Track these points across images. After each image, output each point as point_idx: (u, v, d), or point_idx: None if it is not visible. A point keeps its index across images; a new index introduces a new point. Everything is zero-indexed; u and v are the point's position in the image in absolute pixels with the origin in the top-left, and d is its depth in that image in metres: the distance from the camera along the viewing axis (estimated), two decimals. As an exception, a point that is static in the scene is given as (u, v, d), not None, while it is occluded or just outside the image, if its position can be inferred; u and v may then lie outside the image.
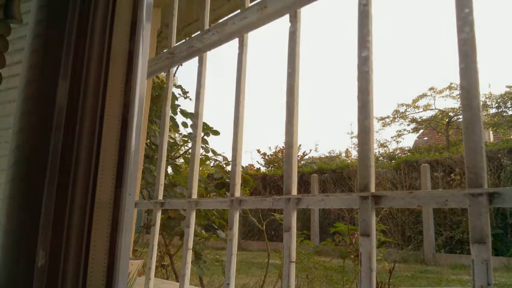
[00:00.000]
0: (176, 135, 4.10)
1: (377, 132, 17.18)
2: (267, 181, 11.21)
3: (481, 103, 0.72)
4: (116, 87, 0.66)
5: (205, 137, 3.49)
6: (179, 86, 3.89)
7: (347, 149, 18.55)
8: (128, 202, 0.65)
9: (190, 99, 3.89)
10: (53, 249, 0.61)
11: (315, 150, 18.51)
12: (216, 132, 3.48)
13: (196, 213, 1.35)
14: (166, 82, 1.58)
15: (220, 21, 1.31)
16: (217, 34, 1.30)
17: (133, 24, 0.68)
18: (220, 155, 3.70)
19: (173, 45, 1.54)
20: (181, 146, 4.09)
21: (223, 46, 1.33)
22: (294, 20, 1.08)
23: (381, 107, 18.23)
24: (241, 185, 3.13)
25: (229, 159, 3.50)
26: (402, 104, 16.59)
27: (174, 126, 3.58)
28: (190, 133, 3.64)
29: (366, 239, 0.80)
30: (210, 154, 3.62)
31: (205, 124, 3.47)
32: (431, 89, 15.79)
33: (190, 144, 3.65)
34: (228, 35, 1.28)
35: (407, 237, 8.39)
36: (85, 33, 0.67)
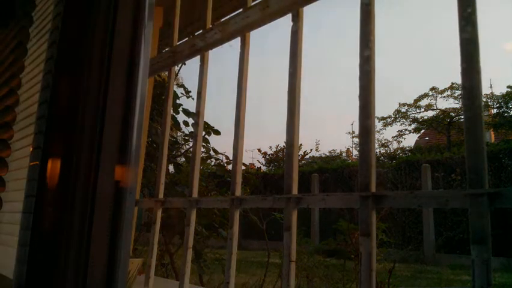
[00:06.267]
0: (179, 133, 4.10)
1: (378, 132, 17.16)
2: (268, 180, 11.21)
3: (483, 103, 0.72)
4: (117, 86, 0.66)
5: (206, 136, 3.49)
6: (182, 85, 3.89)
7: (348, 148, 18.51)
8: (129, 201, 0.65)
9: (193, 98, 3.89)
10: (53, 248, 0.61)
11: (316, 149, 18.41)
12: (217, 132, 3.48)
13: (196, 211, 1.35)
14: (167, 81, 1.58)
15: (222, 20, 1.31)
16: (219, 33, 1.30)
17: (135, 23, 0.68)
18: (221, 154, 3.69)
19: (175, 44, 1.54)
20: (183, 144, 4.10)
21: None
22: (296, 19, 1.08)
23: (382, 106, 18.20)
24: (242, 183, 3.12)
25: (231, 158, 3.50)
26: (403, 104, 16.57)
27: (175, 125, 3.57)
28: (191, 132, 3.64)
29: (366, 239, 0.80)
30: (212, 153, 3.62)
31: (206, 123, 3.46)
32: (433, 89, 15.76)
33: (191, 143, 3.65)
34: (230, 34, 1.28)
35: (407, 237, 8.39)
36: (87, 32, 0.67)
